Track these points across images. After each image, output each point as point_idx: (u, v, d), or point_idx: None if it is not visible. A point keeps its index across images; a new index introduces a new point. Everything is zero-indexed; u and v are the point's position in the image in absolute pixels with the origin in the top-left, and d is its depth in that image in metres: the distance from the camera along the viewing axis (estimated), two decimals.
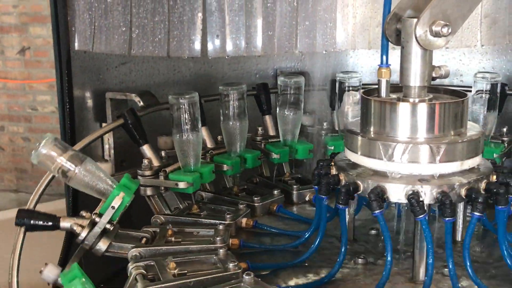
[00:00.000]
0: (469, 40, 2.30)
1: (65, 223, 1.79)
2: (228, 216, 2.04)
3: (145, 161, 2.10)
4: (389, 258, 1.69)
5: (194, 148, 2.11)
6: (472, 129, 1.82)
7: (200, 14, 2.13)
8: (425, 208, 1.65)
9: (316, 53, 2.76)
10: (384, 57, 1.79)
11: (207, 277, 1.63)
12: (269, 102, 2.54)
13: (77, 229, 1.78)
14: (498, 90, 2.41)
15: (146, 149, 2.13)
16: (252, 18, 2.16)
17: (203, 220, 2.06)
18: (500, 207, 1.68)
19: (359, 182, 1.72)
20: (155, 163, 2.11)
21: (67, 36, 2.21)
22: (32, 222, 1.79)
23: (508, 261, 1.71)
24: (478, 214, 1.66)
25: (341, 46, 2.25)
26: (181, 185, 2.09)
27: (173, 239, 1.88)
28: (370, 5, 2.19)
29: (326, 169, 1.84)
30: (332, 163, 1.85)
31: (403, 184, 1.67)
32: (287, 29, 2.18)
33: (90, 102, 2.41)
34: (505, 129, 2.45)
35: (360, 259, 1.91)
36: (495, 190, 1.70)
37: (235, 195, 2.36)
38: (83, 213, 1.82)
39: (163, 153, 2.19)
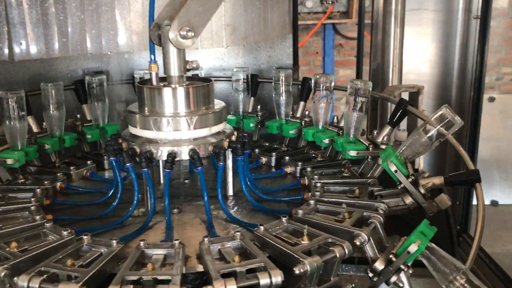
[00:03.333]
0: (218, 42, 2.54)
1: None
2: (46, 182, 2.06)
3: None
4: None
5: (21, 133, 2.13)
6: (218, 104, 1.99)
7: (5, 27, 2.09)
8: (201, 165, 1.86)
9: (115, 55, 2.79)
10: (152, 56, 1.90)
11: (16, 227, 1.74)
12: None
13: None
14: (250, 79, 2.79)
15: None
16: (49, 28, 2.24)
17: (25, 186, 2.10)
18: (239, 156, 1.91)
19: (150, 149, 1.89)
20: None
21: None
22: None
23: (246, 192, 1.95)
24: (221, 163, 1.82)
25: (123, 48, 2.40)
26: (9, 161, 2.10)
27: None
28: (141, 17, 2.32)
29: (118, 145, 1.90)
30: (120, 140, 1.91)
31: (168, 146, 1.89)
32: (77, 36, 2.28)
33: None
34: (258, 107, 2.72)
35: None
36: (234, 145, 1.88)
37: (58, 167, 2.43)
38: None
39: None
